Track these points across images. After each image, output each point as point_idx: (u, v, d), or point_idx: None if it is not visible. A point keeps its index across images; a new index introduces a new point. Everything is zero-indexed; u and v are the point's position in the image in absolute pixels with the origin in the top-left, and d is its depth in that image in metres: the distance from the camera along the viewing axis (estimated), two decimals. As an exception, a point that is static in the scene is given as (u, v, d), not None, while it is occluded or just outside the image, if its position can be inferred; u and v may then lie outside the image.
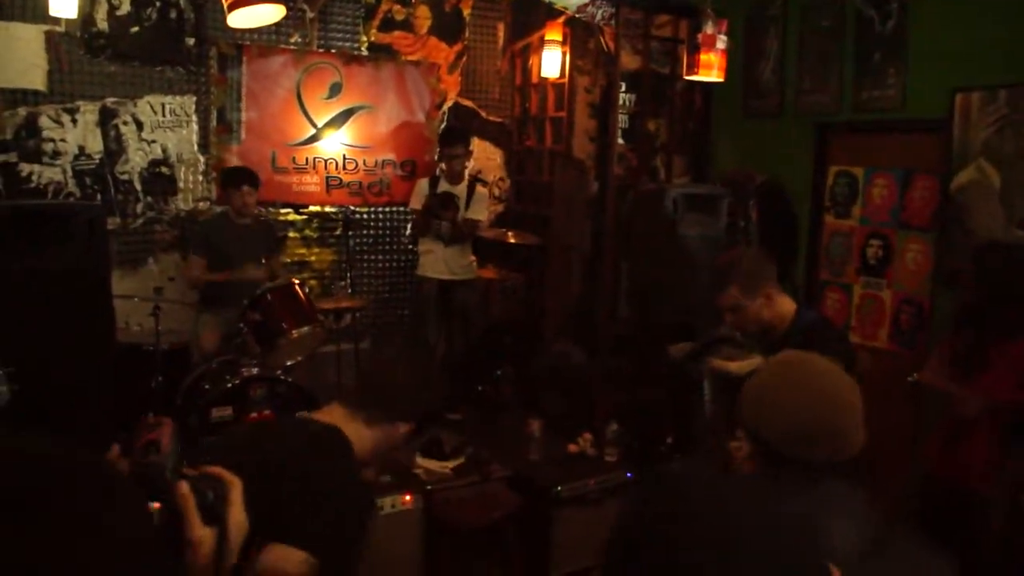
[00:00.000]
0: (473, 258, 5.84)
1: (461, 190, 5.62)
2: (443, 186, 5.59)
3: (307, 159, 5.96)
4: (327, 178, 6.04)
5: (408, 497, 3.89)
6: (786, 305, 3.08)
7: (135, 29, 5.23)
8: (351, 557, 1.95)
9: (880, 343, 4.89)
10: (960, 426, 3.34)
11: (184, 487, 1.25)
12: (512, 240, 5.99)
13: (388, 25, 6.12)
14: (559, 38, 6.24)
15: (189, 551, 1.23)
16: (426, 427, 2.30)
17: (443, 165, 5.62)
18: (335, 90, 5.99)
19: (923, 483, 3.54)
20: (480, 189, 5.80)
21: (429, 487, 4.01)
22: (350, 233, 5.72)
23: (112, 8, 5.16)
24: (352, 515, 1.97)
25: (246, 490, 1.33)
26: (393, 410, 2.18)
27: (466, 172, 5.82)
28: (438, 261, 5.73)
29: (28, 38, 4.95)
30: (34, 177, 5.04)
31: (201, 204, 5.57)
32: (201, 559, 1.24)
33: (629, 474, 4.34)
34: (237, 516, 1.30)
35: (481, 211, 5.70)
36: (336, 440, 2.04)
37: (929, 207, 4.66)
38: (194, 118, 5.50)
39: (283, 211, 5.89)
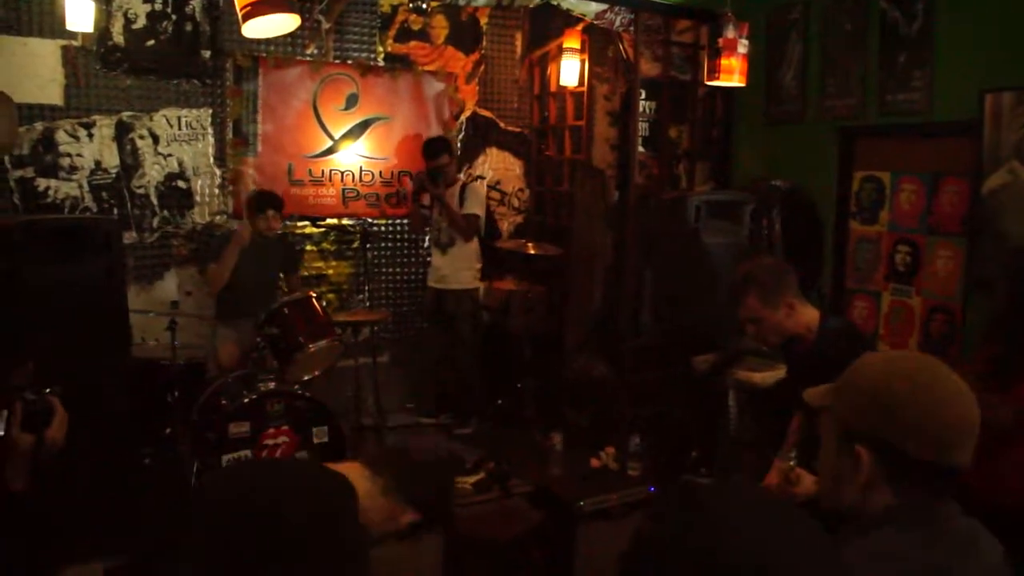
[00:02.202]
0: (478, 266, 5.79)
1: (453, 192, 5.61)
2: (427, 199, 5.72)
3: (324, 171, 5.92)
4: (344, 190, 6.00)
5: (427, 513, 3.82)
6: (809, 314, 2.99)
7: (151, 43, 5.22)
8: None
9: (910, 352, 4.77)
10: (993, 439, 3.22)
11: (17, 405, 1.96)
12: (532, 251, 5.92)
13: (404, 35, 6.08)
14: (577, 46, 6.18)
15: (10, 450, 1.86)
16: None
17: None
18: (352, 101, 5.96)
19: (958, 498, 3.42)
20: (474, 185, 5.78)
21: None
22: (368, 246, 5.68)
23: (128, 22, 5.15)
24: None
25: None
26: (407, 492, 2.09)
27: (459, 176, 5.86)
28: (434, 269, 5.76)
29: (45, 53, 4.96)
30: (51, 192, 5.02)
31: (218, 218, 5.54)
32: (17, 455, 1.92)
33: (652, 488, 4.24)
34: (53, 431, 1.99)
35: (477, 204, 5.67)
36: (339, 491, 2.00)
37: (959, 211, 4.54)
38: (210, 131, 5.48)
39: (300, 224, 5.85)
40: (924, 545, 1.43)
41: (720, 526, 1.02)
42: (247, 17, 4.08)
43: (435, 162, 5.54)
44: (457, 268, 5.71)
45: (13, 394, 1.99)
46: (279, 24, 4.28)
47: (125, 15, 5.13)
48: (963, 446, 1.45)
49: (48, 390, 2.10)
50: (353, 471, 2.02)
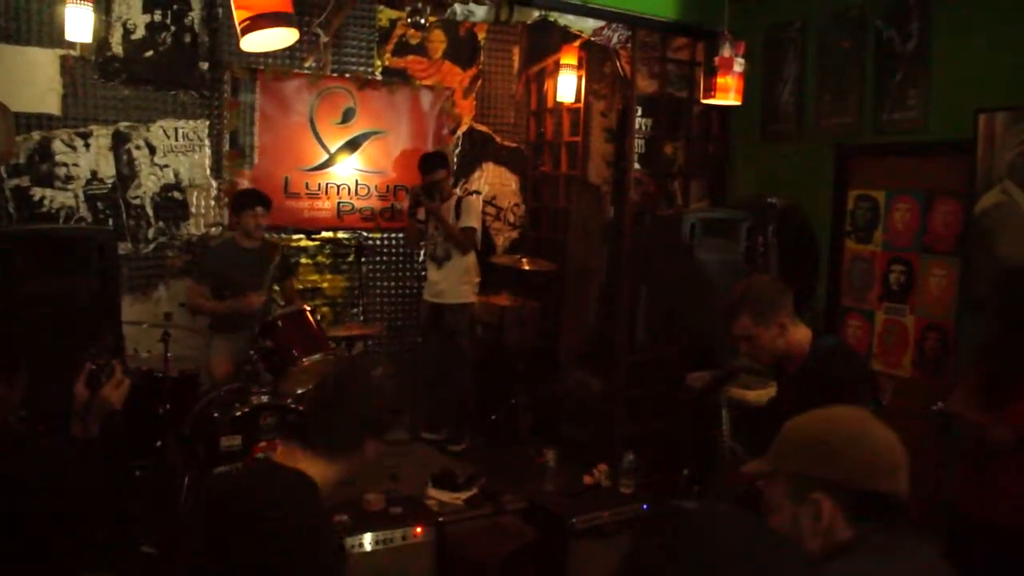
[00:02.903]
0: (477, 280, 5.79)
1: (449, 207, 5.61)
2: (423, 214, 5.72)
3: (320, 184, 5.92)
4: (339, 204, 6.00)
5: (419, 529, 3.80)
6: (802, 333, 2.99)
7: (149, 53, 5.23)
8: None
9: (903, 371, 4.77)
10: (988, 458, 3.22)
11: (85, 365, 2.33)
12: (527, 267, 5.92)
13: (402, 49, 6.09)
14: (574, 62, 6.20)
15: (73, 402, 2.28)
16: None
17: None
18: (349, 115, 5.97)
19: (950, 518, 3.41)
20: (470, 199, 5.78)
21: (441, 519, 3.92)
22: (363, 259, 5.68)
23: (127, 33, 5.16)
24: (325, 557, 2.13)
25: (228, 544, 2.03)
26: (348, 435, 2.25)
27: (454, 191, 5.87)
28: (430, 284, 5.76)
29: (44, 63, 4.96)
30: (46, 201, 5.01)
31: (213, 229, 5.53)
32: (76, 406, 2.30)
33: (645, 506, 4.23)
34: (106, 391, 2.32)
35: (473, 218, 5.67)
36: (301, 487, 2.13)
37: (953, 231, 4.56)
38: (207, 143, 5.48)
39: (295, 237, 5.85)
40: (894, 561, 1.54)
41: (709, 554, 1.04)
42: (246, 31, 4.09)
43: (432, 176, 5.54)
44: (454, 283, 5.70)
45: (87, 358, 2.36)
46: (277, 38, 4.30)
47: (124, 26, 5.14)
48: (901, 473, 1.59)
49: (115, 359, 2.42)
50: (297, 457, 2.19)
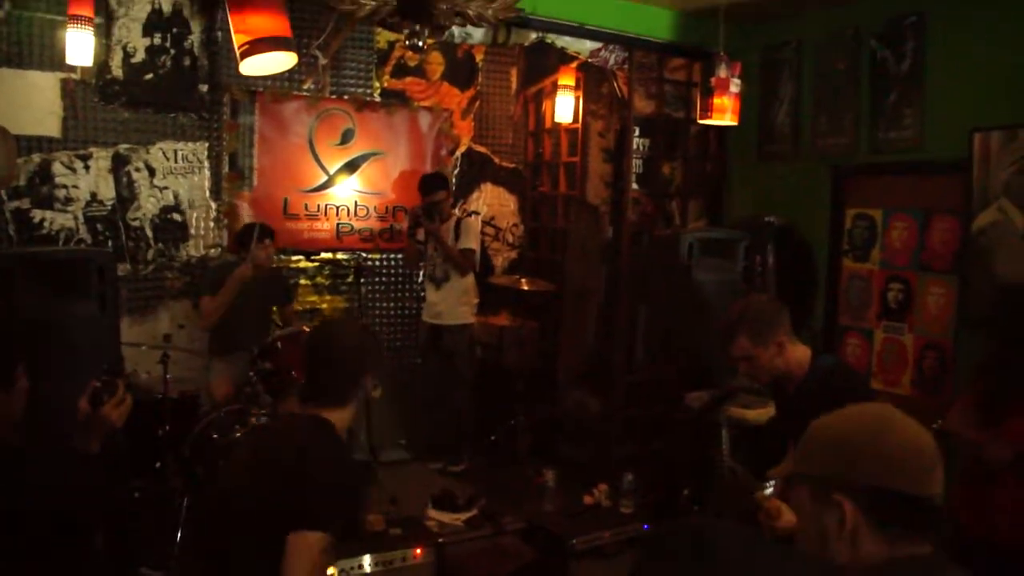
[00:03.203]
0: (475, 301, 5.79)
1: (448, 228, 5.62)
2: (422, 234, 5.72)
3: (319, 205, 5.94)
4: (338, 225, 6.01)
5: (419, 550, 3.80)
6: (800, 352, 3.00)
7: (149, 76, 5.25)
8: (357, 520, 2.54)
9: (903, 389, 4.78)
10: (986, 475, 3.22)
11: (92, 382, 2.32)
12: (526, 287, 5.93)
13: (401, 71, 6.13)
14: (572, 83, 6.24)
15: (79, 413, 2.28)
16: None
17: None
18: (347, 136, 5.99)
19: (952, 535, 3.40)
20: (469, 220, 5.80)
21: (441, 540, 3.91)
22: (362, 280, 5.68)
23: (127, 56, 5.18)
24: (351, 490, 2.47)
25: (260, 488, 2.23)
26: (348, 377, 2.45)
27: (454, 212, 5.88)
28: (429, 305, 5.76)
29: (45, 86, 4.97)
30: (46, 223, 5.02)
31: (212, 251, 5.54)
32: (79, 416, 2.28)
33: (645, 526, 4.22)
34: (106, 408, 2.31)
35: (472, 240, 5.68)
36: (322, 429, 2.34)
37: (950, 249, 4.58)
38: (206, 164, 5.50)
39: (294, 258, 5.85)
40: None
41: (711, 566, 1.03)
42: (245, 55, 4.13)
43: (432, 197, 5.55)
44: (453, 304, 5.70)
45: (95, 375, 2.39)
46: (276, 62, 4.34)
47: (124, 49, 5.17)
48: (932, 473, 1.50)
49: (120, 378, 2.45)
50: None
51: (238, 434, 4.21)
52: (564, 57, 5.90)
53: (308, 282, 5.96)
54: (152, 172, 5.32)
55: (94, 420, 2.35)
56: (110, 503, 2.59)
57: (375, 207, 6.14)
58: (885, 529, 1.47)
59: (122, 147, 5.22)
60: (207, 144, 5.49)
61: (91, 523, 2.42)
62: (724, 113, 5.12)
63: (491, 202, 6.71)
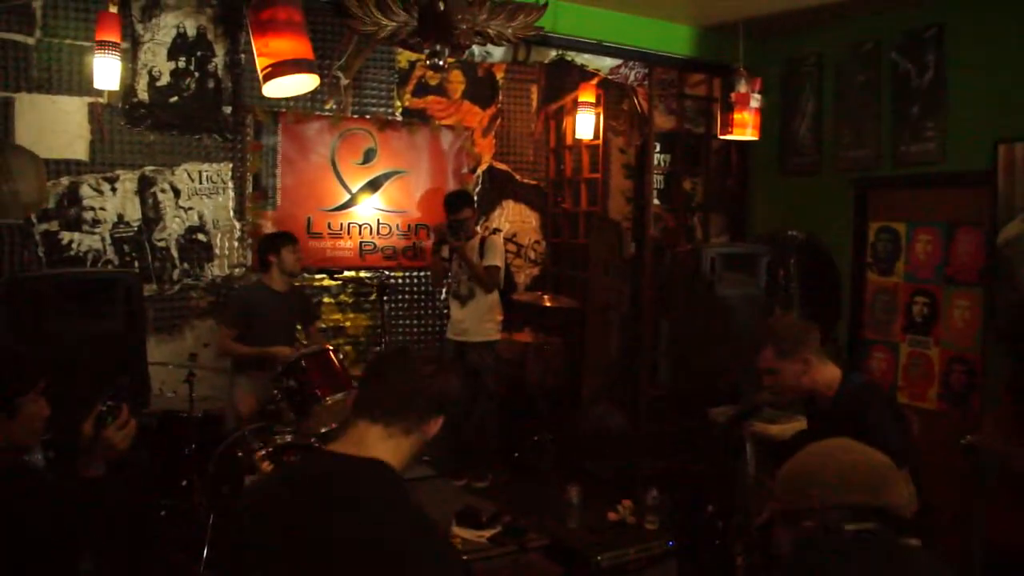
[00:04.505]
0: (500, 318, 5.78)
1: (473, 246, 5.62)
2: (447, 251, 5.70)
3: (342, 224, 5.98)
4: (361, 243, 6.05)
5: (442, 567, 3.78)
6: (829, 371, 2.99)
7: (174, 99, 5.33)
8: None
9: (929, 404, 4.73)
10: (1016, 488, 3.18)
11: (97, 406, 2.36)
12: (548, 303, 5.94)
13: (422, 90, 6.18)
14: (592, 100, 6.27)
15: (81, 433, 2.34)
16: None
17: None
18: (369, 155, 6.04)
19: (985, 552, 3.36)
20: (493, 238, 5.80)
21: (465, 557, 3.89)
22: (385, 298, 5.70)
23: (152, 79, 5.26)
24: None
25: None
26: (424, 400, 2.01)
27: (476, 229, 5.86)
28: (454, 322, 5.76)
29: (73, 110, 5.06)
30: (74, 245, 5.09)
31: (237, 270, 5.59)
32: (83, 440, 2.34)
33: (671, 543, 4.19)
34: (109, 432, 2.34)
35: (497, 257, 5.67)
36: (390, 483, 1.93)
37: (976, 261, 4.54)
38: (230, 185, 5.56)
39: (318, 276, 5.90)
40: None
41: None
42: (268, 77, 4.18)
43: (457, 215, 5.56)
44: (477, 321, 5.70)
45: (101, 398, 2.40)
46: (299, 84, 4.38)
47: (150, 72, 5.25)
48: (889, 485, 1.65)
49: (127, 402, 2.44)
50: (371, 435, 1.96)
51: (261, 452, 4.23)
52: (584, 74, 5.92)
53: (331, 300, 6.00)
54: (177, 193, 5.39)
55: (97, 443, 2.36)
56: (119, 524, 2.50)
57: (397, 225, 6.18)
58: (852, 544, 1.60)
59: (148, 169, 5.30)
60: (231, 165, 5.55)
61: (76, 547, 2.39)
62: (745, 128, 5.12)
63: (513, 219, 6.73)
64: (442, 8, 4.22)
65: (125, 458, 2.43)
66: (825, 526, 1.61)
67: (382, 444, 1.95)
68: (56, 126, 5.01)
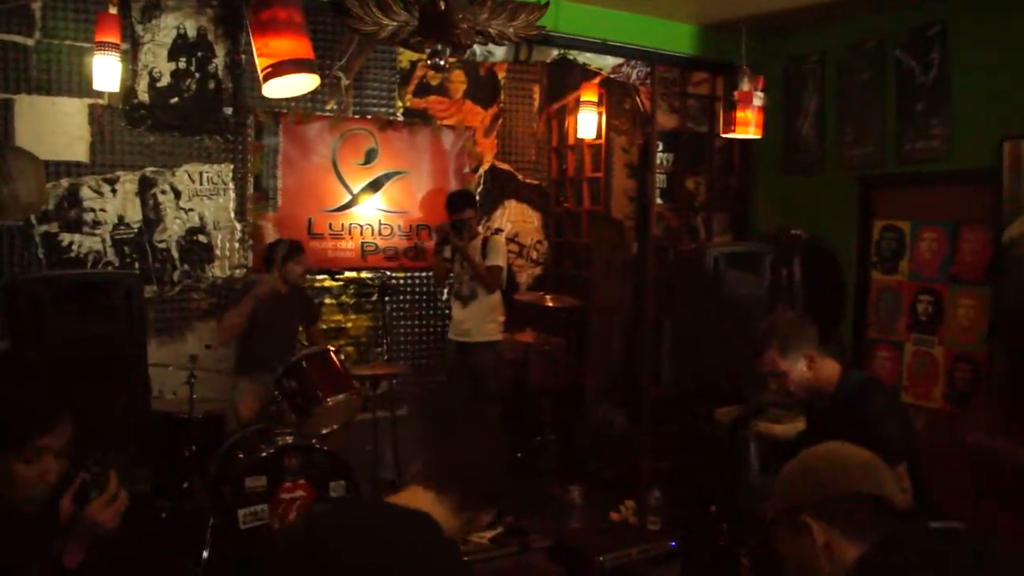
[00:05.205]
0: (502, 319, 5.76)
1: (475, 246, 5.60)
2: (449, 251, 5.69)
3: (343, 225, 5.97)
4: (363, 244, 6.04)
5: (445, 569, 3.76)
6: (829, 367, 2.98)
7: (175, 100, 5.32)
8: None
9: (934, 402, 4.70)
10: (1016, 483, 3.17)
11: (79, 476, 2.01)
12: (551, 303, 5.92)
13: (423, 90, 6.16)
14: (595, 99, 6.25)
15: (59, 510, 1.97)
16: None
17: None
18: (371, 156, 6.03)
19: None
20: (496, 238, 5.79)
21: (467, 558, 3.88)
22: (386, 299, 5.68)
23: (153, 80, 5.25)
24: None
25: None
26: (473, 493, 1.95)
27: (478, 230, 5.85)
28: (455, 323, 5.75)
29: (73, 112, 5.06)
30: (74, 246, 5.09)
31: (237, 271, 5.58)
32: (62, 518, 1.97)
33: (673, 543, 4.17)
34: (94, 507, 1.98)
35: (499, 257, 5.66)
36: (434, 537, 1.85)
37: (981, 260, 4.50)
38: (231, 186, 5.55)
39: (319, 277, 5.88)
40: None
41: None
42: (268, 77, 4.16)
43: (460, 215, 5.54)
44: (480, 321, 5.68)
45: (81, 464, 2.02)
46: (299, 84, 4.36)
47: (150, 73, 5.24)
48: (881, 475, 1.67)
49: (111, 470, 2.04)
50: (421, 499, 1.89)
51: (263, 453, 4.21)
52: (586, 73, 5.90)
53: (333, 301, 5.98)
54: (178, 194, 5.38)
55: (78, 523, 1.96)
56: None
57: (399, 226, 6.16)
58: (853, 533, 1.60)
59: (148, 170, 5.29)
60: (232, 166, 5.54)
61: None
62: (748, 126, 5.09)
63: (515, 219, 6.72)
64: (443, 8, 4.20)
65: (113, 537, 2.04)
66: (829, 518, 1.62)
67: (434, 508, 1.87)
68: (56, 127, 5.00)
